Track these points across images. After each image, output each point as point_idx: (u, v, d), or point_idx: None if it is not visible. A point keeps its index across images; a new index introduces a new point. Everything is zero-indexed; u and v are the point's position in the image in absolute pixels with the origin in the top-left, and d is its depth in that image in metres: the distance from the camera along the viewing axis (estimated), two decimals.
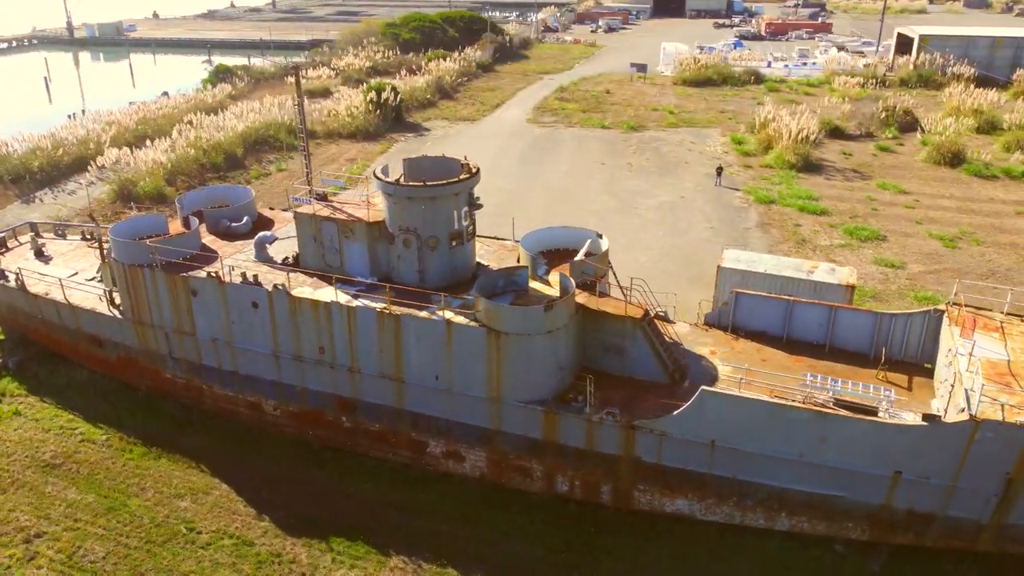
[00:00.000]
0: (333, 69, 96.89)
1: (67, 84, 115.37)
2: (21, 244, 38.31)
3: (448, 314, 25.75)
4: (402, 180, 27.81)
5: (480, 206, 28.12)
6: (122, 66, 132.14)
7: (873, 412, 23.14)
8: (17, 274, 34.07)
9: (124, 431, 30.88)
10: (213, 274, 28.63)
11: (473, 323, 25.36)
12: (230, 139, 65.56)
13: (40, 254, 36.98)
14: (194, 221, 31.89)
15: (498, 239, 32.14)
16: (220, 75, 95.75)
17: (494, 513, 26.66)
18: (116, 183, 55.80)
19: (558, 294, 26.78)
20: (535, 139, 74.48)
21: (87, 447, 29.96)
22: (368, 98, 75.78)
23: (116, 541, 25.47)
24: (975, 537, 23.13)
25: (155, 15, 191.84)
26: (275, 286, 27.78)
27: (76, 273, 34.90)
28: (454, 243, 27.82)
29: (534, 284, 27.59)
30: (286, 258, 30.41)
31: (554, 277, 28.14)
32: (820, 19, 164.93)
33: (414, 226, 27.12)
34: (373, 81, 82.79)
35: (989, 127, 75.08)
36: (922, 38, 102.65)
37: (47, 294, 33.47)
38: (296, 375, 29.06)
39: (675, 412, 23.95)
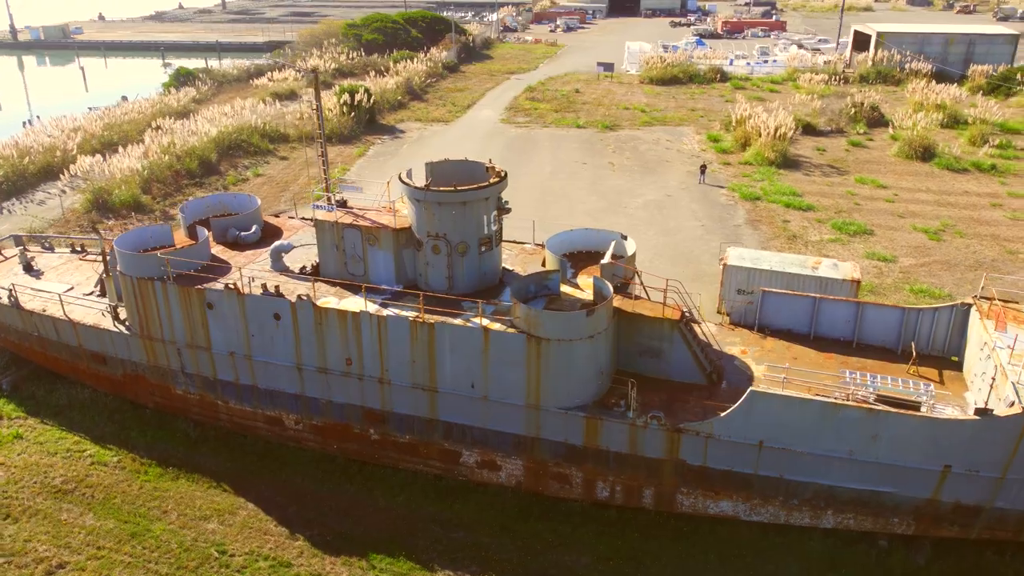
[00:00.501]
0: (299, 71, 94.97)
1: (13, 89, 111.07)
2: (7, 259, 36.53)
3: (484, 321, 25.23)
4: (428, 185, 27.16)
5: (508, 210, 27.63)
6: (71, 70, 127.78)
7: (916, 407, 23.34)
8: (10, 290, 32.44)
9: (136, 451, 29.62)
10: (231, 286, 27.60)
11: (511, 330, 24.88)
12: (204, 144, 63.69)
13: (30, 268, 35.29)
14: (202, 231, 30.74)
15: (518, 242, 31.68)
16: (181, 78, 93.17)
17: (534, 522, 26.22)
18: (90, 192, 53.69)
19: (591, 297, 26.50)
20: (512, 140, 74.06)
21: (99, 470, 28.64)
22: (342, 100, 74.45)
23: (145, 568, 24.36)
24: (1021, 528, 23.49)
25: (100, 17, 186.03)
26: (299, 297, 26.89)
27: (72, 288, 33.38)
28: (483, 248, 27.29)
29: (564, 288, 27.22)
30: (304, 267, 29.52)
31: (583, 280, 27.85)
32: (773, 17, 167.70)
33: (444, 232, 26.51)
34: (345, 83, 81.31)
35: (952, 121, 77.12)
36: (879, 35, 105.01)
37: (44, 310, 31.93)
38: (320, 388, 28.19)
39: (723, 414, 23.82)
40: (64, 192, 56.21)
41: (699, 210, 54.71)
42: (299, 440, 29.67)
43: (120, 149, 61.09)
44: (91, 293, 33.00)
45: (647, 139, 74.24)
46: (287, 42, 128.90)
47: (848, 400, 23.48)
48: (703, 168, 61.31)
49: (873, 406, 22.69)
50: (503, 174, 27.35)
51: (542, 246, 31.40)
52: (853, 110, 78.69)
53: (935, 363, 27.36)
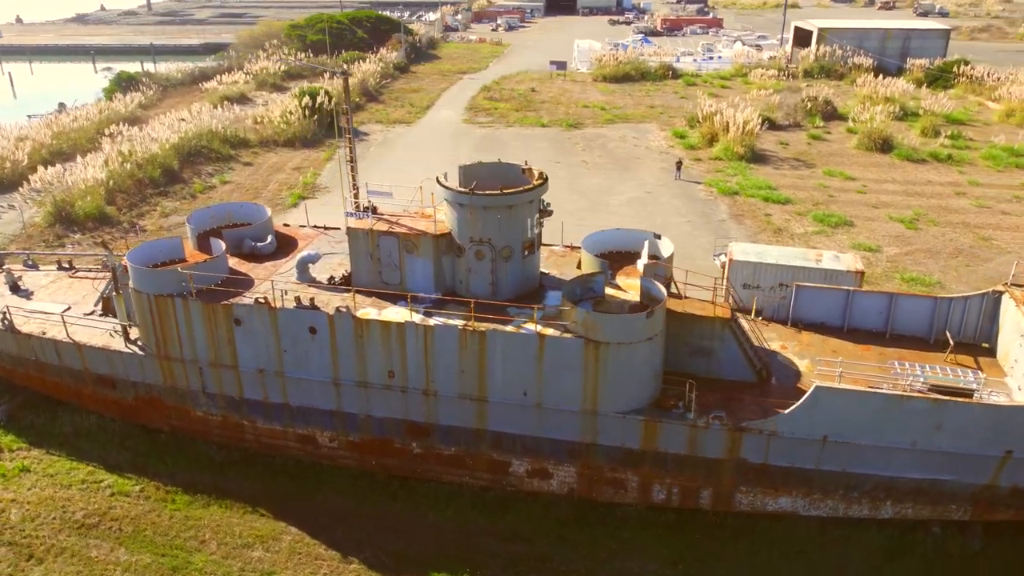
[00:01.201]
0: (248, 73, 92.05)
1: None
2: None
3: (536, 327, 24.61)
4: (459, 188, 26.29)
5: (550, 213, 27.06)
6: None
7: (969, 395, 23.78)
8: (4, 313, 30.22)
9: (158, 479, 27.94)
10: (262, 300, 26.26)
11: (567, 334, 24.34)
12: (165, 152, 60.98)
13: (16, 288, 33.01)
14: (217, 243, 29.20)
15: (546, 245, 31.10)
16: (123, 83, 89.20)
17: (592, 529, 25.76)
18: (50, 205, 50.72)
19: (633, 299, 26.17)
20: (479, 140, 73.29)
21: (121, 501, 26.90)
22: (303, 103, 72.40)
23: None
24: None
25: (18, 20, 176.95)
26: (338, 309, 25.76)
27: (69, 308, 31.33)
28: (526, 252, 26.67)
29: (607, 290, 26.82)
30: (331, 278, 28.34)
31: (623, 280, 27.50)
32: (710, 15, 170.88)
33: (488, 236, 25.77)
34: (305, 85, 79.12)
35: (902, 114, 79.77)
36: (821, 31, 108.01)
37: (44, 333, 29.86)
38: (359, 402, 27.09)
39: (786, 411, 23.80)
40: (14, 206, 52.84)
41: (681, 206, 55.09)
42: (333, 458, 28.48)
43: (79, 158, 57.95)
44: (92, 312, 31.04)
45: (613, 137, 74.49)
46: (225, 44, 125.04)
47: (905, 391, 23.79)
48: (679, 164, 61.80)
49: (938, 396, 23.00)
50: (545, 176, 26.76)
51: (571, 247, 30.98)
52: (808, 104, 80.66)
53: (968, 350, 27.96)
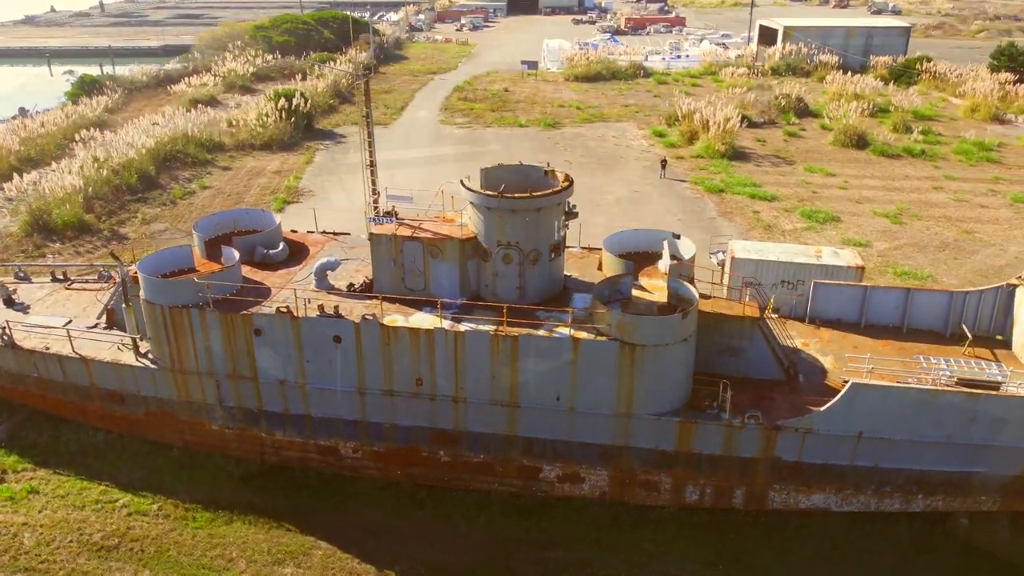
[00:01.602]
0: (216, 76, 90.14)
1: None
2: None
3: (570, 330, 24.36)
4: (487, 192, 25.91)
5: (576, 215, 26.81)
6: None
7: (996, 387, 24.14)
8: (3, 328, 28.99)
9: (176, 496, 27.04)
10: (283, 309, 25.56)
11: (601, 337, 24.14)
12: (141, 157, 59.32)
13: (11, 303, 31.71)
14: (229, 252, 28.37)
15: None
16: (86, 86, 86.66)
17: (629, 533, 25.59)
18: (27, 213, 48.96)
19: (659, 299, 26.08)
20: (460, 141, 72.80)
21: (140, 521, 25.98)
22: (279, 105, 71.09)
23: None
24: None
25: None
26: (364, 317, 25.19)
27: (70, 321, 30.19)
28: (553, 255, 26.39)
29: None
30: (351, 284, 27.72)
31: (648, 282, 27.38)
32: (672, 14, 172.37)
33: (516, 240, 25.43)
34: (279, 87, 77.67)
35: (873, 109, 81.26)
36: (786, 29, 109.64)
37: (47, 348, 28.72)
38: (385, 412, 26.54)
39: (822, 408, 23.92)
40: None
41: (670, 204, 55.32)
42: (357, 469, 27.87)
43: (53, 164, 56.08)
44: (95, 325, 29.96)
45: (593, 136, 74.57)
46: (186, 46, 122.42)
47: (936, 385, 24.08)
48: (663, 163, 62.07)
49: (972, 390, 23.31)
50: (570, 178, 26.52)
51: (589, 249, 30.79)
52: (782, 102, 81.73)
53: (983, 343, 28.42)
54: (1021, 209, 55.15)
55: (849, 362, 26.31)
